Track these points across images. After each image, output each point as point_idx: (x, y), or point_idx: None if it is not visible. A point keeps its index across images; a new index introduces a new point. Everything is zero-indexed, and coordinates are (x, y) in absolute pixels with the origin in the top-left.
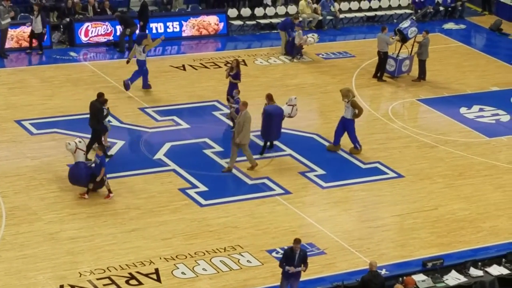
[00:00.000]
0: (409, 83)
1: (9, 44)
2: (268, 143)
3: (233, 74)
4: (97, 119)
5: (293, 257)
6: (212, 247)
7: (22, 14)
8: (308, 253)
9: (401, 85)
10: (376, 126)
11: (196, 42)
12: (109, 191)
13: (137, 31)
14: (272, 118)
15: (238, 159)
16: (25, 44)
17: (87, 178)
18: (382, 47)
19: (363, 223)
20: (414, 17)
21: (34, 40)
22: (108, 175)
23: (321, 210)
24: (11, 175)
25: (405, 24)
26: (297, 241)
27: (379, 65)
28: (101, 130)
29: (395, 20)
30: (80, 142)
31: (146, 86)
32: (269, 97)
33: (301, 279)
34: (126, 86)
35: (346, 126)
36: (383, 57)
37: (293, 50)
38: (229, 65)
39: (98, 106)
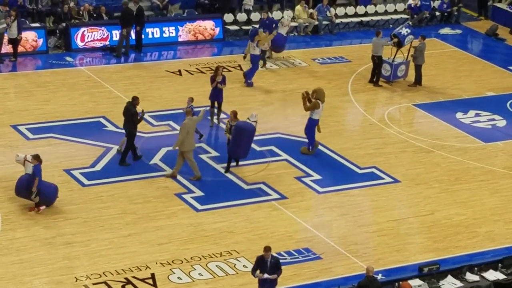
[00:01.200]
0: (405, 88)
1: (4, 49)
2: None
3: (221, 80)
4: (132, 122)
5: (265, 265)
6: (208, 252)
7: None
8: (305, 258)
9: (397, 90)
10: (372, 131)
11: (192, 47)
12: (36, 205)
13: (132, 32)
14: (243, 134)
15: (234, 164)
16: (20, 49)
17: (28, 190)
18: (376, 51)
19: (359, 228)
20: (410, 22)
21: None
22: (105, 180)
23: (317, 215)
24: (7, 180)
25: (401, 29)
26: (266, 249)
27: (374, 70)
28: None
29: (391, 25)
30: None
31: (249, 82)
32: (234, 114)
33: (298, 284)
34: (250, 85)
35: (309, 123)
36: (377, 61)
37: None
38: (217, 72)
39: (133, 110)
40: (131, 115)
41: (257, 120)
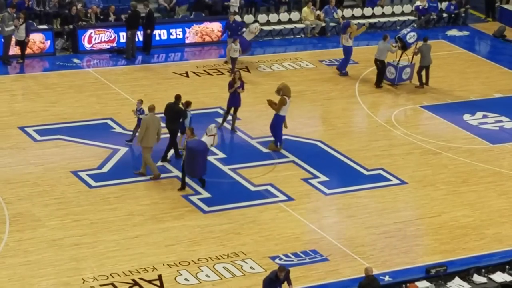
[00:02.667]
0: (412, 90)
1: (12, 51)
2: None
3: (239, 85)
4: (173, 120)
5: (279, 282)
6: (215, 254)
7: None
8: (312, 260)
9: (404, 92)
10: (379, 133)
11: (199, 49)
12: None
13: (140, 34)
14: (195, 154)
15: (242, 165)
16: (28, 51)
17: None
18: (380, 55)
19: (366, 230)
20: (415, 25)
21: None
22: (112, 182)
23: (324, 217)
24: (14, 182)
25: (405, 31)
26: (281, 269)
27: (379, 74)
28: (178, 131)
29: (398, 27)
30: None
31: (344, 72)
32: (191, 131)
33: (305, 285)
34: (345, 75)
35: (275, 120)
36: (380, 66)
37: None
38: (235, 78)
39: (177, 108)
40: (175, 113)
41: (216, 132)
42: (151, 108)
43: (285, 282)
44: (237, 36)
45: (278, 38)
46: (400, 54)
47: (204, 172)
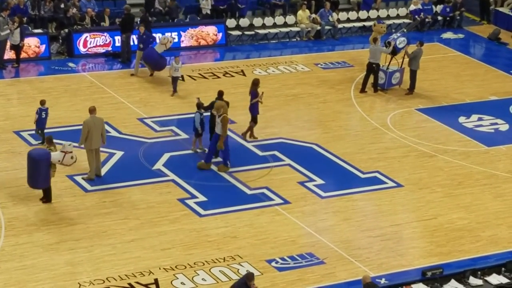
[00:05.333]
0: (404, 94)
1: (7, 55)
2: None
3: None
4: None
5: None
6: (212, 257)
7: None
8: (308, 263)
9: (400, 95)
10: (375, 136)
11: (195, 53)
12: None
13: (134, 36)
14: (37, 163)
15: (238, 169)
16: (23, 55)
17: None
18: (374, 58)
19: (362, 233)
20: (405, 30)
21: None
22: (107, 186)
23: (320, 220)
24: (10, 186)
25: (395, 36)
26: (250, 277)
27: (368, 77)
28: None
29: (393, 30)
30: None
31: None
32: (49, 140)
33: None
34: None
35: (214, 140)
36: (376, 68)
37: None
38: (256, 86)
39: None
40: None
41: (72, 151)
42: (92, 110)
43: None
44: (148, 48)
45: (274, 41)
46: (390, 59)
47: (48, 184)
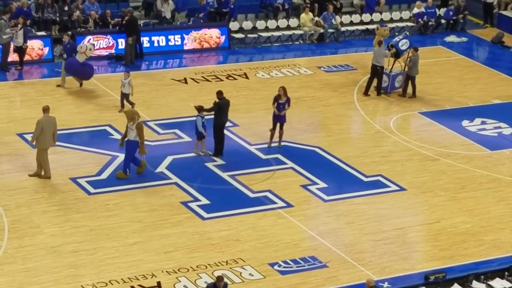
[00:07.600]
0: (408, 97)
1: (10, 57)
2: None
3: (285, 101)
4: (227, 113)
5: None
6: (214, 260)
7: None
8: (311, 266)
9: (402, 98)
10: (378, 139)
11: (198, 55)
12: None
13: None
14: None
15: (240, 172)
16: (27, 57)
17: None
18: (379, 60)
19: (365, 236)
20: (407, 33)
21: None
22: (111, 188)
23: (323, 223)
24: (13, 189)
25: (397, 39)
26: (220, 278)
27: (372, 79)
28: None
29: (396, 33)
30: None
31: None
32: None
33: None
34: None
35: (127, 147)
36: (380, 71)
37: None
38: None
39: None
40: (228, 106)
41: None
42: (45, 109)
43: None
44: (68, 59)
45: (277, 44)
46: (393, 62)
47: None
